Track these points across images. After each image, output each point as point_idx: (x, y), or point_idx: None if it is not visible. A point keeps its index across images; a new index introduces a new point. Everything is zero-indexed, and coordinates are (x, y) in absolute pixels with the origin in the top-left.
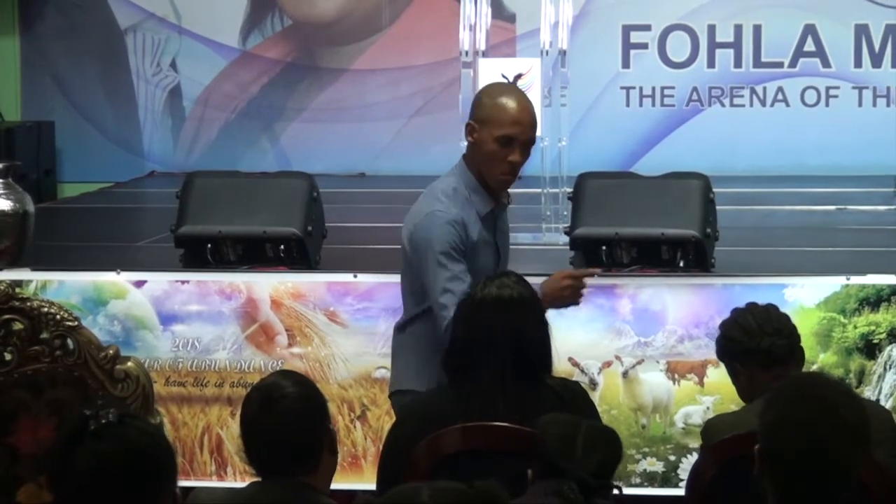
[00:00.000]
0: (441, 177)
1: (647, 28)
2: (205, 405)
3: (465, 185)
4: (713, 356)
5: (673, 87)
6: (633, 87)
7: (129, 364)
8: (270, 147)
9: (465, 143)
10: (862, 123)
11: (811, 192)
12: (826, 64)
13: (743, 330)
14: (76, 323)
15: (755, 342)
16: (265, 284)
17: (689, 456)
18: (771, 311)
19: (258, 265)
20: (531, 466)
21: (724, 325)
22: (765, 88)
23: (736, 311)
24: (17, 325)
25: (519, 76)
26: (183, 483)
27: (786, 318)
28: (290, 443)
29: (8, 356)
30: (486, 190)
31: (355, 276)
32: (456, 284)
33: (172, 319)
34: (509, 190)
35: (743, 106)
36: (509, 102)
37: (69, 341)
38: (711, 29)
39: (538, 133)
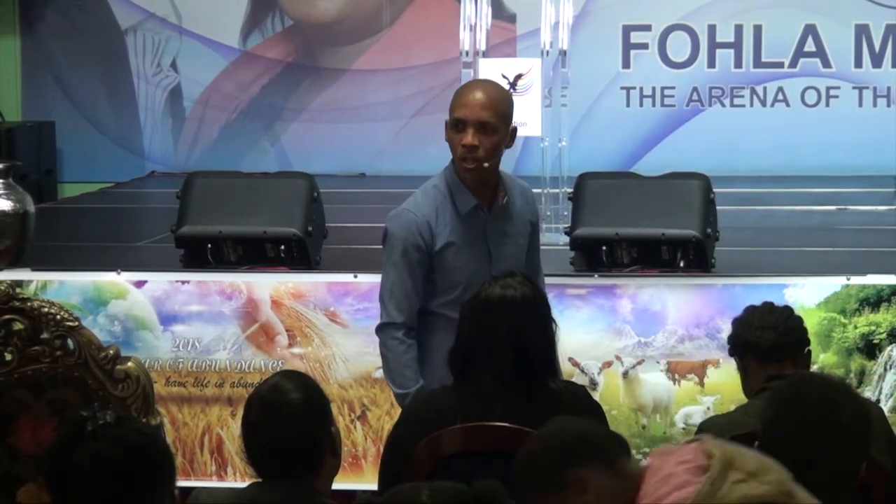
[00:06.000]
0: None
1: (647, 28)
2: (205, 405)
3: (445, 184)
4: (713, 356)
5: (673, 88)
6: (634, 88)
7: (130, 364)
8: (271, 147)
9: None
10: (862, 124)
11: (811, 192)
12: (826, 64)
13: (742, 323)
14: (76, 323)
15: (747, 334)
16: (265, 285)
17: None
18: (777, 308)
19: (258, 265)
20: None
21: (733, 320)
22: (765, 88)
23: (747, 307)
24: (18, 326)
25: (519, 76)
26: (183, 483)
27: (791, 319)
28: (291, 445)
29: (8, 356)
30: (469, 187)
31: (355, 277)
32: (394, 293)
33: (173, 320)
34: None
35: (743, 106)
36: (464, 88)
37: (69, 341)
38: (712, 29)
39: (538, 133)
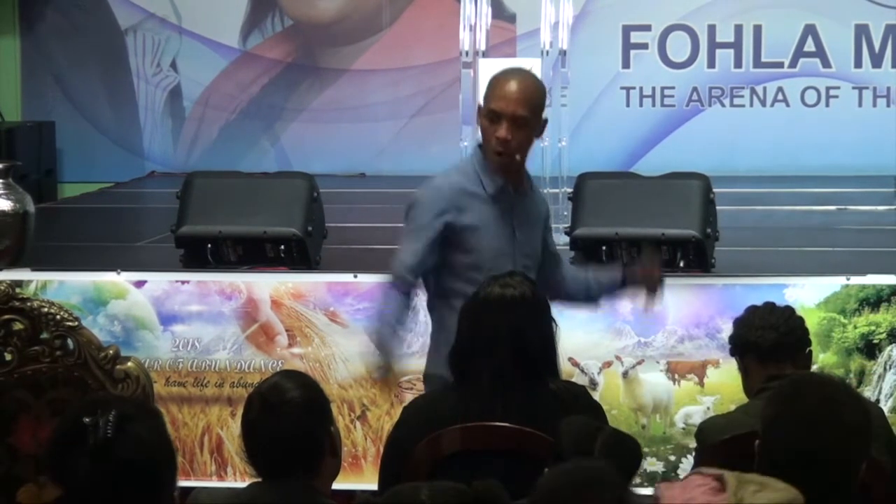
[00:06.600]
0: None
1: (647, 28)
2: (205, 405)
3: (472, 165)
4: (713, 356)
5: (673, 88)
6: (634, 88)
7: (130, 364)
8: (271, 147)
9: (465, 144)
10: (862, 123)
11: (811, 192)
12: (826, 64)
13: (743, 323)
14: (76, 323)
15: (748, 334)
16: (265, 284)
17: (689, 456)
18: (778, 309)
19: (258, 265)
20: (547, 466)
21: (734, 320)
22: (765, 88)
23: (748, 307)
24: (18, 326)
25: None
26: (183, 483)
27: (792, 319)
28: (291, 444)
29: (8, 356)
30: (495, 171)
31: (355, 277)
32: (405, 258)
33: (172, 319)
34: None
35: (743, 106)
36: (501, 79)
37: (69, 341)
38: (711, 29)
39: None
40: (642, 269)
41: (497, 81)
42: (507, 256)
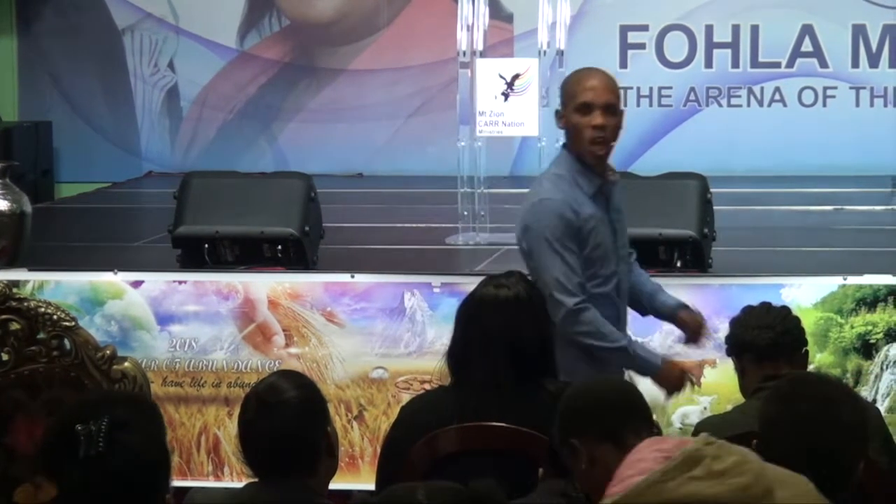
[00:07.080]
0: (546, 170)
1: (644, 28)
2: (202, 405)
3: (567, 170)
4: (710, 356)
5: (670, 88)
6: (631, 88)
7: (126, 364)
8: (268, 147)
9: (463, 144)
10: (859, 124)
11: (808, 192)
12: (823, 64)
13: (740, 323)
14: (73, 323)
15: (744, 334)
16: (262, 285)
17: None
18: (774, 309)
19: (255, 265)
20: (542, 466)
21: (731, 320)
22: (762, 88)
23: (745, 307)
24: (14, 326)
25: (516, 76)
26: (180, 483)
27: (788, 319)
28: (288, 444)
29: (5, 356)
30: (590, 170)
31: (352, 277)
32: (569, 277)
33: (169, 320)
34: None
35: (740, 106)
36: (582, 75)
37: (66, 341)
38: (709, 29)
39: (535, 133)
40: (692, 329)
41: (579, 78)
42: (612, 251)
